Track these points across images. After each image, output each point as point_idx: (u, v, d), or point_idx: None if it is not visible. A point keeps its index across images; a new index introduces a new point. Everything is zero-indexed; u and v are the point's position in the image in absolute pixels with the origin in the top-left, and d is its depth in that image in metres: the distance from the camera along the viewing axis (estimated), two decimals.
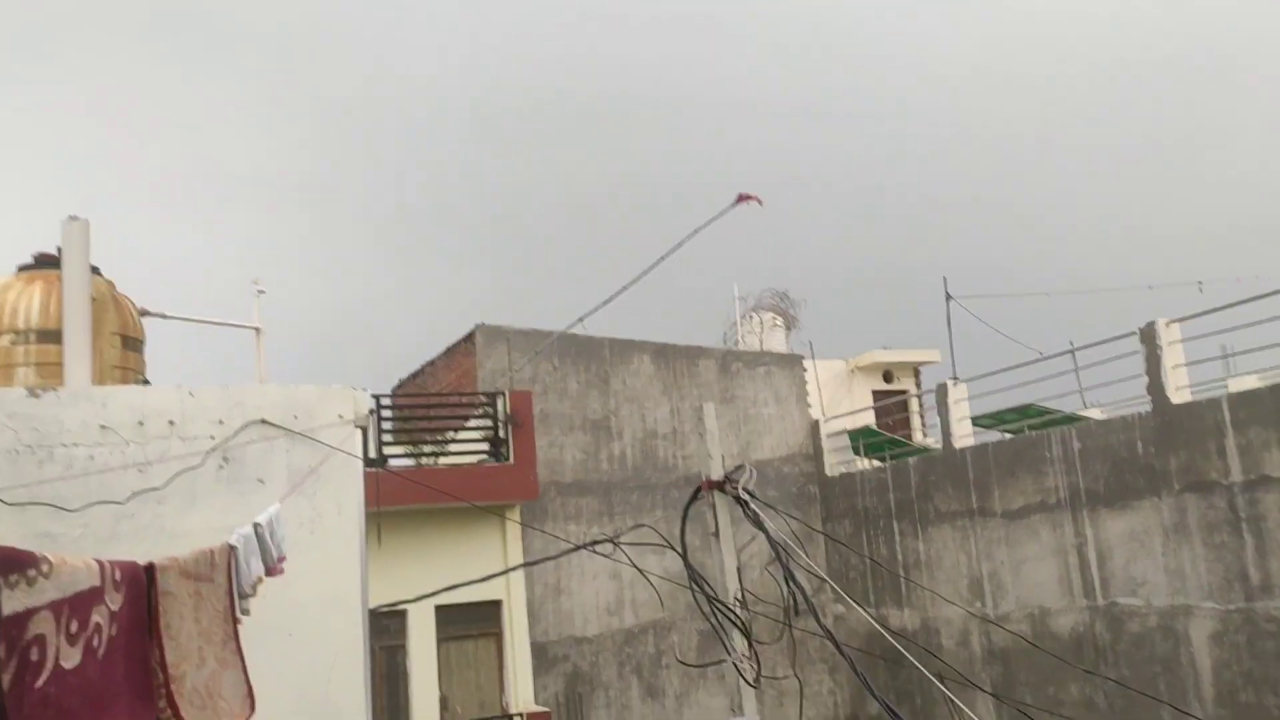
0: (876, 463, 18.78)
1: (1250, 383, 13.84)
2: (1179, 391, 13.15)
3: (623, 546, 8.64)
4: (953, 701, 14.82)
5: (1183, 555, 12.87)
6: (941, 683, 12.47)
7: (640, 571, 8.53)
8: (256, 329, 8.02)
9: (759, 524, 7.91)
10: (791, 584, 7.59)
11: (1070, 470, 14.34)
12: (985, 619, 15.47)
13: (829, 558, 18.38)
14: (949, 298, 19.28)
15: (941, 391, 16.85)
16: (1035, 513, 14.88)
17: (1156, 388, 13.22)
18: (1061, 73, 54.40)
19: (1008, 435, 16.89)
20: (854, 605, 7.63)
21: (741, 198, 19.28)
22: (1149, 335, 13.29)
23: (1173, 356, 13.20)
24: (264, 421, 5.14)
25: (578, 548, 7.96)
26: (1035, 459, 14.91)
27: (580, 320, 14.85)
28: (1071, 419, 16.24)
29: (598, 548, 8.22)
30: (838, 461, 19.09)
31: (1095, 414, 16.09)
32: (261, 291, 8.38)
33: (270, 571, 4.48)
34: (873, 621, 7.69)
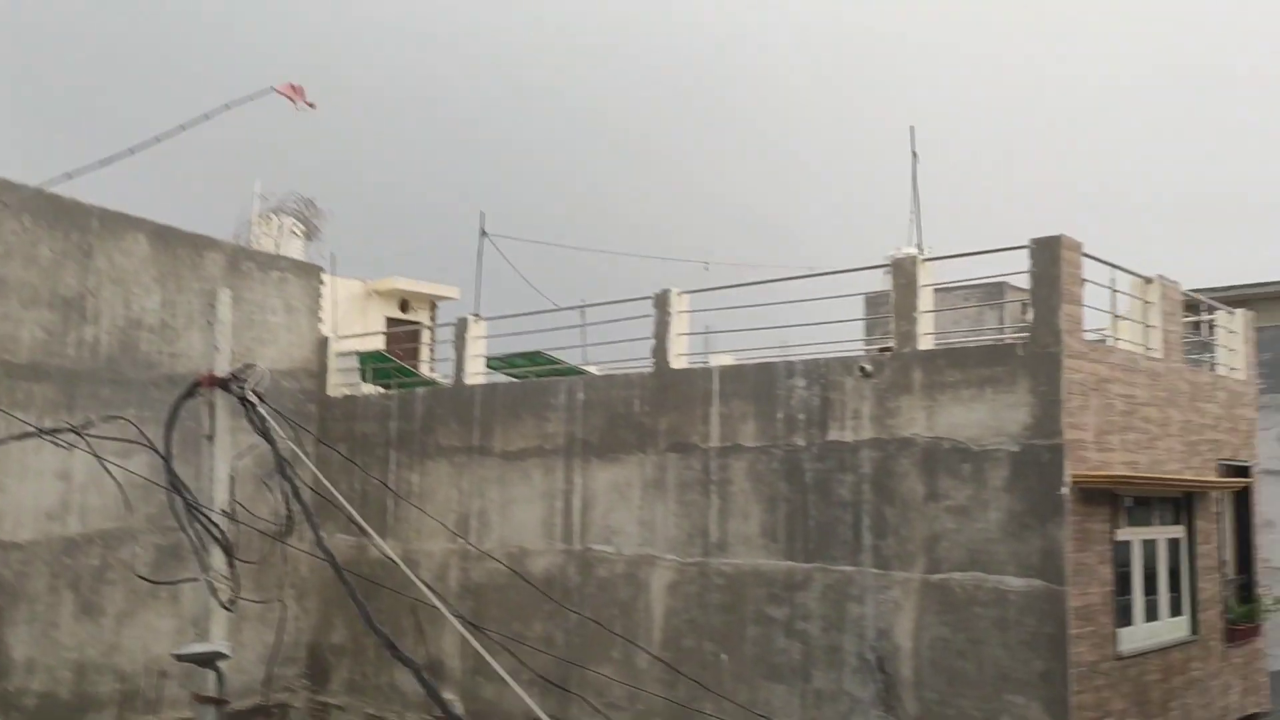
0: (381, 389, 18.24)
1: (726, 360, 15.16)
2: (678, 358, 14.10)
3: (88, 439, 7.34)
4: (422, 629, 14.76)
5: (656, 510, 13.84)
6: (428, 611, 12.25)
7: (107, 467, 7.29)
8: None
9: (264, 432, 7.09)
10: (294, 500, 6.88)
11: (571, 419, 14.84)
12: (468, 554, 15.61)
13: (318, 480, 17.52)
14: (483, 234, 19.23)
15: (461, 326, 16.70)
16: (532, 456, 15.24)
17: (660, 352, 14.06)
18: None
19: (514, 380, 17.18)
20: (370, 533, 7.09)
21: (286, 91, 17.63)
22: (663, 301, 14.09)
23: (679, 325, 14.12)
24: None
25: (32, 434, 6.58)
26: (541, 405, 15.26)
27: (68, 177, 12.65)
28: (575, 371, 16.91)
29: (58, 437, 6.88)
30: (342, 383, 18.27)
31: (593, 370, 16.88)
32: None
33: None
34: (387, 553, 7.19)
